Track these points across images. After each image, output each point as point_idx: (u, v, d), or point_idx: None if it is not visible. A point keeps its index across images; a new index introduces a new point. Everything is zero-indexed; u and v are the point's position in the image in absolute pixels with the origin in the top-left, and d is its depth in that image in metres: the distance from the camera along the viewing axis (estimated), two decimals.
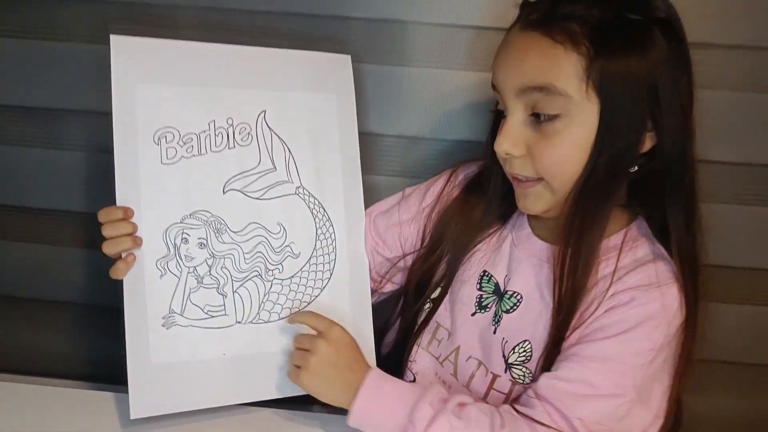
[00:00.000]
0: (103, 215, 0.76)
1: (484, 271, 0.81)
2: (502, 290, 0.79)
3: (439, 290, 0.83)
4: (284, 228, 0.82)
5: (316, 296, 0.83)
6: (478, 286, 0.80)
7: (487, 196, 0.81)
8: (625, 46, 0.65)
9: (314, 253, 0.84)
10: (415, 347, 0.84)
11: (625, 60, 0.65)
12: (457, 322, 0.81)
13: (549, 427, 0.68)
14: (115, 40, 0.76)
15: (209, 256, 0.79)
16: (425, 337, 0.83)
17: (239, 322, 0.80)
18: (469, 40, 0.94)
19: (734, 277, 1.01)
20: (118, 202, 0.76)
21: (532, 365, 0.74)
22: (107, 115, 0.91)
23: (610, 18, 0.65)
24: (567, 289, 0.70)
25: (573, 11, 0.66)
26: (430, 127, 0.99)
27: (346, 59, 0.86)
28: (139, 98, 0.77)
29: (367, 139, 0.97)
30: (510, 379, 0.76)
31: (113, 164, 0.90)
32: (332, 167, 0.85)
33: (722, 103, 0.92)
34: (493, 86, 0.72)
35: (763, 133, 0.94)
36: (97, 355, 1.13)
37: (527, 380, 0.75)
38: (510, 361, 0.76)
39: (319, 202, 0.84)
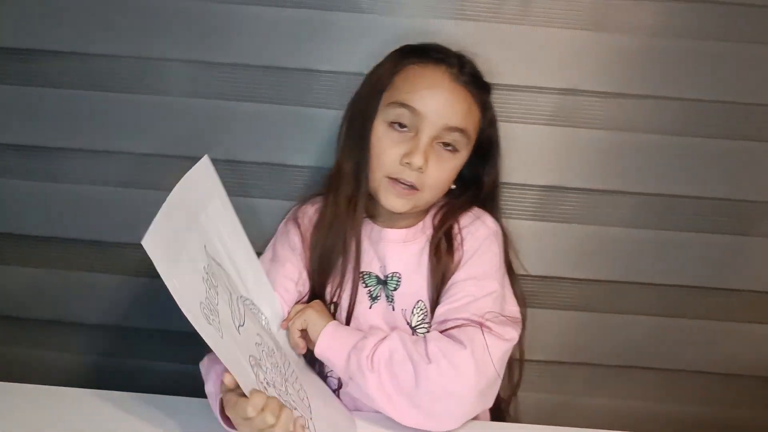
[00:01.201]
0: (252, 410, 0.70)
1: (361, 272, 0.95)
2: (383, 278, 0.95)
3: (332, 306, 0.95)
4: (259, 333, 0.84)
5: (293, 371, 0.86)
6: (363, 285, 0.95)
7: (357, 202, 0.92)
8: (488, 108, 0.95)
9: (273, 342, 0.86)
10: None
11: (487, 116, 0.95)
12: (360, 320, 0.95)
13: (456, 326, 0.85)
14: (146, 244, 0.67)
15: (269, 371, 0.79)
16: None
17: (309, 412, 0.82)
18: None
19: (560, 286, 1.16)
20: (238, 379, 0.71)
21: (429, 319, 0.92)
22: (98, 153, 1.08)
23: (485, 90, 0.95)
24: (440, 265, 0.91)
25: (477, 84, 0.92)
26: None
27: (206, 160, 0.84)
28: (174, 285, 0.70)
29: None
30: None
31: (103, 196, 1.03)
32: (240, 260, 0.87)
33: (530, 135, 1.08)
34: (405, 106, 0.87)
35: (560, 161, 1.09)
36: (94, 369, 1.21)
37: None
38: (413, 324, 0.93)
39: (248, 299, 0.87)
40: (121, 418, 0.86)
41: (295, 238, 0.97)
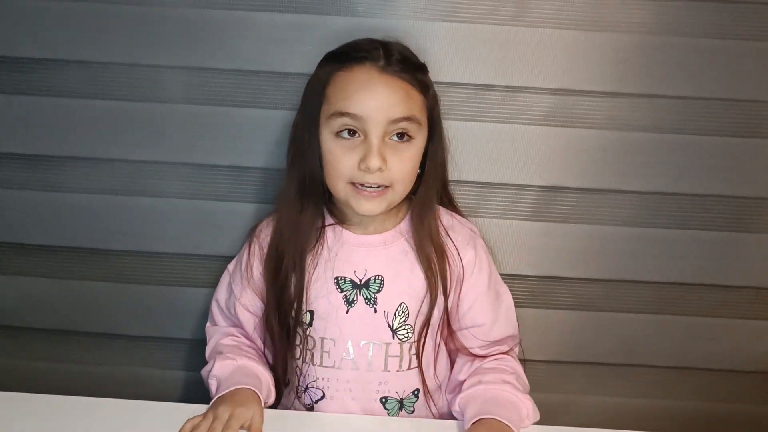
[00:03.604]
0: None
1: (336, 278, 0.95)
2: (360, 283, 0.95)
3: (308, 315, 0.96)
4: None
5: None
6: (339, 290, 0.95)
7: (307, 214, 0.94)
8: (428, 86, 0.93)
9: None
10: (311, 368, 0.96)
11: (430, 95, 0.93)
12: (338, 325, 0.94)
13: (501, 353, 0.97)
14: None
15: None
16: (316, 356, 0.96)
17: None
18: None
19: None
20: None
21: (411, 320, 0.94)
22: (95, 161, 1.10)
23: (419, 71, 0.93)
24: (434, 274, 0.94)
25: (409, 67, 0.90)
26: None
27: None
28: None
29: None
30: (398, 342, 0.94)
31: (101, 204, 1.06)
32: None
33: (526, 136, 1.08)
34: (344, 114, 0.87)
35: (557, 161, 1.09)
36: (97, 377, 1.21)
37: (410, 335, 0.95)
38: (394, 326, 0.94)
39: None
40: (122, 425, 0.86)
41: (243, 257, 1.00)
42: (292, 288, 0.94)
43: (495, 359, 0.96)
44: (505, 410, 0.87)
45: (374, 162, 0.86)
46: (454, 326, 0.98)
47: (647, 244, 1.13)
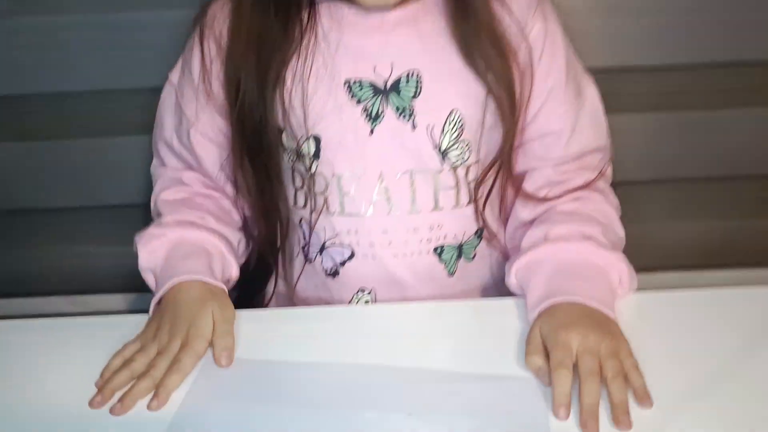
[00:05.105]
0: None
1: (347, 82, 0.70)
2: (385, 86, 0.70)
3: (310, 143, 0.72)
4: None
5: None
6: (356, 101, 0.70)
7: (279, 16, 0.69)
8: None
9: None
10: (327, 220, 0.74)
11: None
12: (361, 153, 0.72)
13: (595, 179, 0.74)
14: None
15: None
16: (332, 201, 0.73)
17: None
18: None
19: None
20: None
21: (469, 134, 0.71)
22: (18, 99, 0.92)
23: None
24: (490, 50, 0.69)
25: None
26: None
27: None
28: None
29: None
30: (450, 168, 0.73)
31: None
32: None
33: None
34: None
35: None
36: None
37: (467, 156, 0.72)
38: (444, 147, 0.72)
39: None
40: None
41: (197, 67, 0.74)
42: (272, 110, 0.70)
43: (575, 198, 0.73)
44: (589, 282, 0.64)
45: None
46: (517, 141, 0.75)
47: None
